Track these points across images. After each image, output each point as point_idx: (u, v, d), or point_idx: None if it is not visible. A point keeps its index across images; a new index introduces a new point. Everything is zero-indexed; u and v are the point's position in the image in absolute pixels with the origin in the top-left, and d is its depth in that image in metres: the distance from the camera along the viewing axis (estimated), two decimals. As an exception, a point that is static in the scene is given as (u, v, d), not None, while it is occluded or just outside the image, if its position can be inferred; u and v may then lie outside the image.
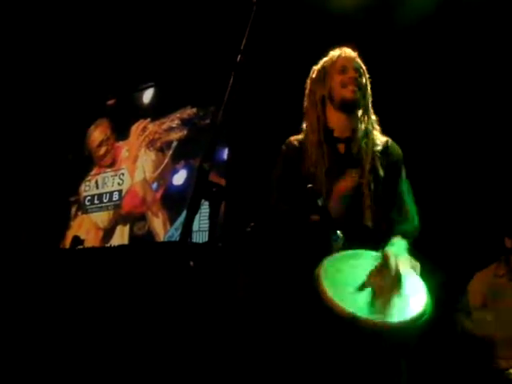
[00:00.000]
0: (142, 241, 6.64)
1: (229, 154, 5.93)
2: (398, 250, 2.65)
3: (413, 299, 2.45)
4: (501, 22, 4.67)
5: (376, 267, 2.49)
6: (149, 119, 7.20)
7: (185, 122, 6.70)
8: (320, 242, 2.64)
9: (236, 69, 2.15)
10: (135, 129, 7.30)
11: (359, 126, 2.94)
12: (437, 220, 3.01)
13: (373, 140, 2.93)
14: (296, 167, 2.92)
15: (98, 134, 7.78)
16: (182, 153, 6.66)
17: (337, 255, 2.60)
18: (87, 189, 7.67)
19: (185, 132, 6.68)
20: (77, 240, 7.09)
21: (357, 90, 2.90)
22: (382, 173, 2.87)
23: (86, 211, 7.58)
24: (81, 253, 6.92)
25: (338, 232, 2.59)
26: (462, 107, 4.84)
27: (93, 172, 7.70)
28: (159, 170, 6.83)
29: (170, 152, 6.77)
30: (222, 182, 5.52)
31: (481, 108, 4.80)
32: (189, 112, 6.69)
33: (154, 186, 6.82)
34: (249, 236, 3.12)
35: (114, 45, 6.88)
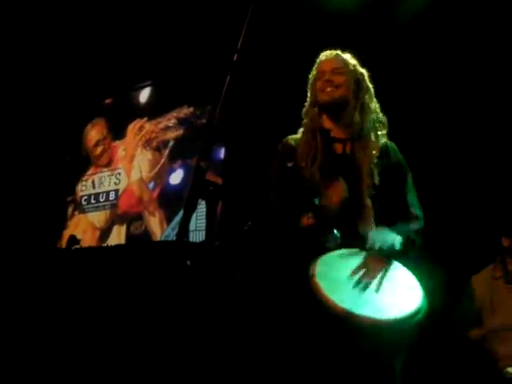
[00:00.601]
0: (139, 240, 6.64)
1: (226, 153, 5.93)
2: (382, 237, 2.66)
3: (408, 297, 2.46)
4: (499, 19, 4.67)
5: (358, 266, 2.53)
6: (145, 118, 7.20)
7: (181, 122, 6.70)
8: (312, 244, 2.64)
9: (232, 68, 2.15)
10: (132, 128, 7.30)
11: (354, 122, 2.95)
12: (433, 220, 3.00)
13: (371, 140, 2.94)
14: (292, 167, 2.92)
15: (94, 133, 7.77)
16: (178, 152, 6.66)
17: (332, 253, 2.61)
18: (84, 188, 7.66)
19: (181, 131, 6.68)
20: (73, 240, 7.09)
21: (334, 90, 2.92)
22: (379, 174, 2.88)
23: (82, 211, 7.57)
24: (77, 252, 6.91)
25: (335, 231, 2.60)
26: (459, 109, 4.84)
27: (89, 172, 7.69)
28: (156, 170, 6.83)
29: (167, 151, 6.77)
30: (219, 181, 5.52)
31: (478, 111, 4.80)
32: (185, 111, 6.69)
33: (151, 185, 6.82)
34: (246, 235, 3.12)
35: (111, 44, 6.87)
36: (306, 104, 3.08)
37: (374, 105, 3.01)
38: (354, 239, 2.70)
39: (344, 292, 2.40)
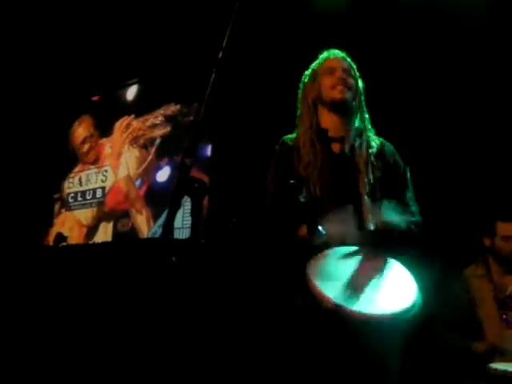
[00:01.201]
0: (126, 237, 6.63)
1: (212, 151, 5.93)
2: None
3: (402, 293, 2.49)
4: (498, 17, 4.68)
5: (359, 263, 2.55)
6: (133, 116, 7.18)
7: (168, 119, 6.69)
8: (307, 255, 2.65)
9: (217, 65, 2.16)
10: (119, 125, 7.28)
11: (352, 125, 2.98)
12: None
13: (367, 140, 2.97)
14: (289, 167, 2.94)
15: (81, 130, 7.75)
16: (165, 149, 6.65)
17: (328, 251, 2.64)
18: (71, 186, 7.64)
19: (168, 129, 6.67)
20: (60, 237, 7.07)
21: (346, 90, 2.95)
22: (378, 173, 2.91)
23: (69, 208, 7.55)
24: (64, 250, 6.91)
25: (320, 228, 2.61)
26: (447, 108, 4.85)
27: (76, 169, 7.67)
28: (143, 167, 6.81)
29: (154, 149, 6.75)
30: (206, 178, 5.53)
31: (463, 115, 4.81)
32: (172, 109, 6.67)
33: (138, 182, 6.80)
34: (231, 232, 3.14)
35: (99, 42, 6.85)
36: (305, 98, 3.07)
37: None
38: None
39: (339, 289, 2.43)
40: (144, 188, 6.73)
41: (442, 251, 4.45)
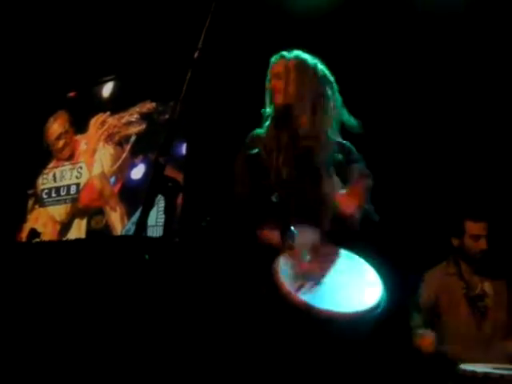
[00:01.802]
0: (99, 234, 6.62)
1: (187, 149, 5.94)
2: None
3: (368, 291, 2.52)
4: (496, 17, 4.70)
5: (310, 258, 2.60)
6: (108, 113, 7.16)
7: (144, 117, 6.68)
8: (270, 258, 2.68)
9: (193, 65, 2.18)
10: (94, 122, 7.26)
11: (307, 125, 3.00)
12: (385, 220, 3.06)
13: (325, 138, 3.00)
14: (257, 161, 2.96)
15: (56, 126, 7.71)
16: (140, 147, 6.65)
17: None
18: (45, 182, 7.61)
19: (144, 126, 6.67)
20: (34, 233, 7.05)
21: (280, 97, 2.99)
22: (335, 168, 2.95)
23: (43, 204, 7.52)
24: (37, 246, 6.88)
25: (292, 228, 2.64)
26: (415, 107, 4.89)
27: (51, 165, 7.63)
28: (117, 164, 6.80)
29: (129, 146, 6.75)
30: (180, 176, 5.54)
31: (431, 114, 4.85)
32: (148, 106, 6.67)
33: (112, 180, 6.79)
34: (204, 230, 3.15)
35: (75, 38, 6.83)
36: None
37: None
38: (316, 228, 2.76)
39: (305, 286, 2.46)
40: (118, 185, 6.72)
41: (404, 250, 4.50)
